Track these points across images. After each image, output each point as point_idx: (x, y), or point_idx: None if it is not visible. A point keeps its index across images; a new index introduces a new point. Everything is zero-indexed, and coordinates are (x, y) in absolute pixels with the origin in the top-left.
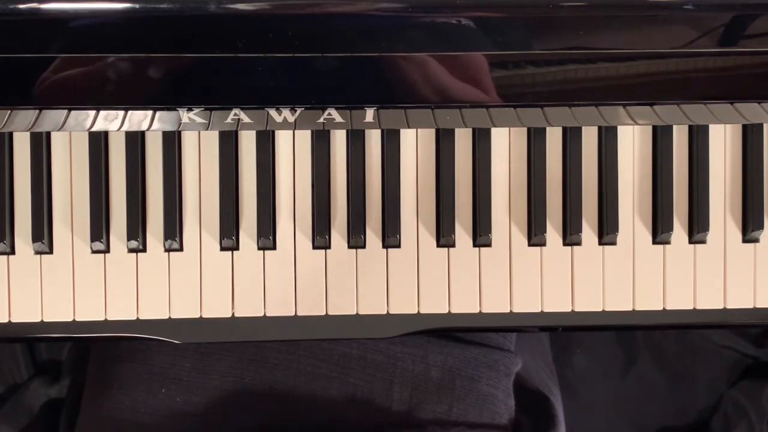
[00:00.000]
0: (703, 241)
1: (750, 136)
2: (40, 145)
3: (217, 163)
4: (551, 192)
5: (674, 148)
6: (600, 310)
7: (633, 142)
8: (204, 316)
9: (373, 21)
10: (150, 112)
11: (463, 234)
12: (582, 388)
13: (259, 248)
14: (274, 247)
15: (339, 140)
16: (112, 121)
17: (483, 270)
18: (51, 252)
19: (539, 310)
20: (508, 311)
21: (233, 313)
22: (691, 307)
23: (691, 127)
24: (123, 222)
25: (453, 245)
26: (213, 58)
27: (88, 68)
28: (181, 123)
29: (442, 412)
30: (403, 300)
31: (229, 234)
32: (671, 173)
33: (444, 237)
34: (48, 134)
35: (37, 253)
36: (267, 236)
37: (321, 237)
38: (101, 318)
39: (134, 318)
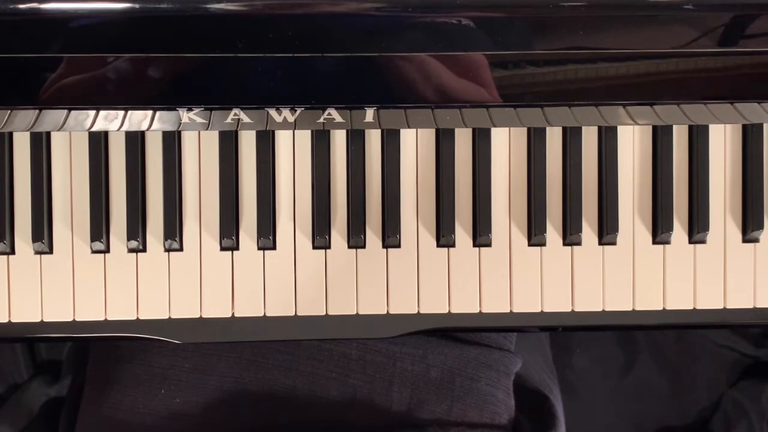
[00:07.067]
0: (703, 241)
1: (750, 136)
2: (40, 145)
3: (217, 163)
4: (551, 192)
5: (674, 148)
6: (600, 310)
7: (633, 142)
8: (204, 316)
9: (373, 21)
10: (150, 112)
11: (463, 234)
12: (582, 388)
13: (259, 248)
14: (274, 247)
15: (339, 140)
16: (112, 121)
17: (483, 270)
18: (51, 252)
19: (539, 310)
20: (508, 311)
21: (233, 313)
22: (691, 307)
23: (691, 127)
24: (123, 222)
25: (453, 245)
26: (213, 58)
27: (88, 68)
28: (181, 123)
29: (442, 412)
30: (403, 300)
31: (229, 234)
32: (671, 173)
33: (444, 237)
34: (48, 134)
35: (37, 253)
36: (267, 236)
37: (321, 237)
38: (101, 318)
39: (134, 318)
